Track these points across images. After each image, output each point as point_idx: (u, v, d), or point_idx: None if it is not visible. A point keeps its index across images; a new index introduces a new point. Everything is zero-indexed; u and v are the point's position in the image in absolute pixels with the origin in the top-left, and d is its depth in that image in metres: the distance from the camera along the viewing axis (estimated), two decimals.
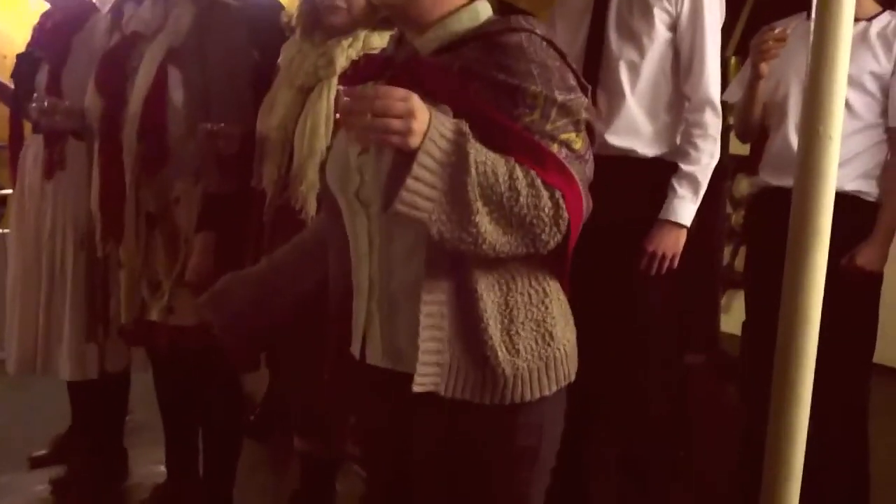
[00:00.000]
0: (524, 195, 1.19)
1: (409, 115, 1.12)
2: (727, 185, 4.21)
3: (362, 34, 1.96)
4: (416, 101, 1.13)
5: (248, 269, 1.61)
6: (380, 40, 1.94)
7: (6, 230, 3.69)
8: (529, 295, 1.32)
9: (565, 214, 1.22)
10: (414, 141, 1.12)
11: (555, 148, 1.24)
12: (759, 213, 2.68)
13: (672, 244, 2.28)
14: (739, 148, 3.50)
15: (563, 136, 1.26)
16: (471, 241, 1.18)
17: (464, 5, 1.34)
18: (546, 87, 1.24)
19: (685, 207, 2.28)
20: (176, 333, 2.35)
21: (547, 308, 1.33)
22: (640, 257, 2.29)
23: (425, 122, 1.13)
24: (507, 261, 1.27)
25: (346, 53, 1.93)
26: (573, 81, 1.30)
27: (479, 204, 1.16)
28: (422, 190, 1.14)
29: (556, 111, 1.25)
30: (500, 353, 1.27)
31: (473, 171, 1.15)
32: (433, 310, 1.26)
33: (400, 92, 1.13)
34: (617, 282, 2.31)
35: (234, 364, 1.75)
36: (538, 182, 1.20)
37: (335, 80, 1.93)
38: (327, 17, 1.96)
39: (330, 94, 1.91)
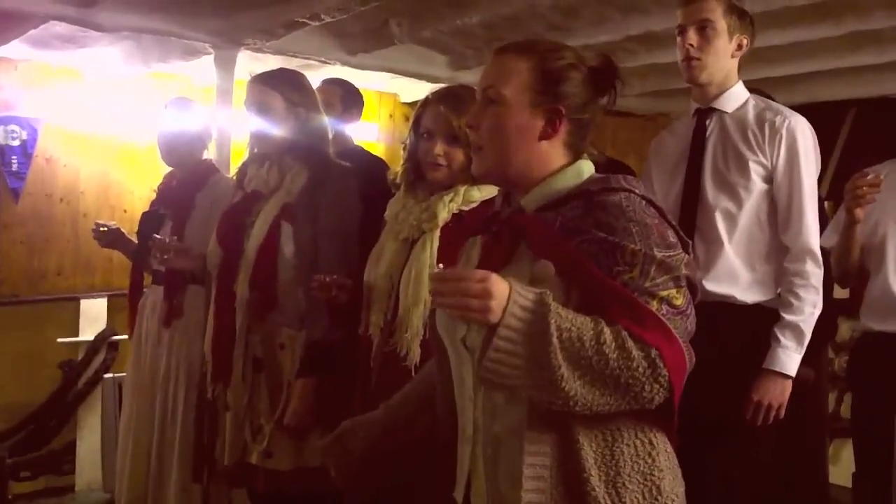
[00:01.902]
0: (613, 358, 1.21)
1: (485, 294, 1.20)
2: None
3: (462, 188, 2.04)
4: (494, 281, 1.21)
5: (365, 415, 1.64)
6: (479, 194, 2.04)
7: (120, 374, 3.90)
8: (636, 447, 1.31)
9: (664, 371, 1.23)
10: (492, 317, 1.20)
11: (654, 305, 1.27)
12: (863, 359, 2.60)
13: (778, 394, 2.23)
14: (839, 291, 3.43)
15: (664, 293, 1.28)
16: (561, 402, 1.21)
17: (567, 164, 1.40)
18: (645, 244, 1.28)
19: (790, 358, 2.23)
20: (272, 477, 2.39)
21: (654, 460, 1.32)
22: (745, 407, 2.24)
23: (504, 298, 1.21)
24: (611, 413, 1.27)
25: (447, 207, 2.02)
26: (673, 238, 1.33)
27: (564, 369, 1.20)
28: (504, 359, 1.20)
29: (656, 268, 1.28)
30: None
31: (555, 338, 1.19)
32: (536, 460, 1.27)
33: (478, 274, 1.22)
34: (723, 432, 2.26)
35: None
36: (629, 343, 1.22)
37: (437, 233, 2.01)
38: (429, 172, 2.06)
39: (433, 245, 1.99)
